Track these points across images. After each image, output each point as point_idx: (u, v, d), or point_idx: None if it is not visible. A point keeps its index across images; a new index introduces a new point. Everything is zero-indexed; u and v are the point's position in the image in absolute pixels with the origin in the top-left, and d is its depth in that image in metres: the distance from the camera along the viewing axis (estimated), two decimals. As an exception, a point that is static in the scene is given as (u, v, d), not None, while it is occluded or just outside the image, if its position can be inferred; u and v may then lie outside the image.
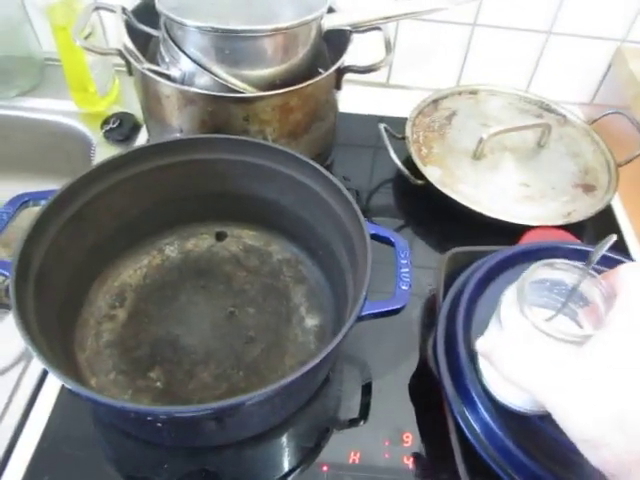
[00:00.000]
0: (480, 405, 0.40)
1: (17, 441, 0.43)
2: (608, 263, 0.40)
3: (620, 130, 0.71)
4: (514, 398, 0.39)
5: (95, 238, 0.49)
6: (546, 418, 0.39)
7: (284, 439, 0.45)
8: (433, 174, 0.61)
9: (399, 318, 0.52)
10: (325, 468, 0.43)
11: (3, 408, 0.45)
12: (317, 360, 0.35)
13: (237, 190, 0.54)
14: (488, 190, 0.60)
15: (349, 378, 0.49)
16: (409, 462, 0.44)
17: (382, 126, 0.62)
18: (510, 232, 0.58)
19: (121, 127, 0.72)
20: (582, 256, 0.47)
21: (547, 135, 0.65)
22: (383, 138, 0.61)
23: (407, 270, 0.41)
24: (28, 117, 0.77)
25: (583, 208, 0.60)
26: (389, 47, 0.59)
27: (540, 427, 0.39)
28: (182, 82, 0.55)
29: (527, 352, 0.32)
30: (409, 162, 0.62)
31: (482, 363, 0.41)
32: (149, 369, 0.47)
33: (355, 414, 0.47)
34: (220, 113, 0.54)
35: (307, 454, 0.45)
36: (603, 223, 0.63)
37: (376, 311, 0.39)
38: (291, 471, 0.43)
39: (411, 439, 0.45)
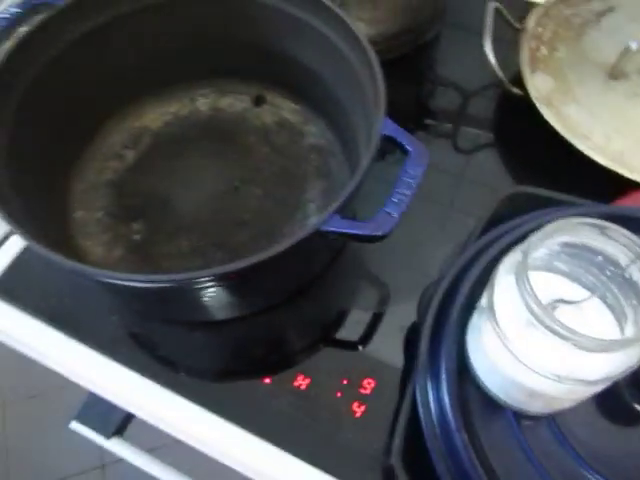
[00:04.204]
0: (444, 383, 0.31)
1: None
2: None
3: None
4: (500, 389, 0.30)
5: (117, 69, 0.45)
6: (524, 420, 0.30)
7: (242, 335, 0.41)
8: (540, 85, 0.46)
9: (432, 247, 0.43)
10: (267, 381, 0.39)
11: None
12: (236, 266, 0.28)
13: (279, 49, 0.45)
14: (609, 122, 0.44)
15: (349, 299, 0.43)
16: (358, 410, 0.38)
17: (492, 5, 0.46)
18: (622, 187, 0.42)
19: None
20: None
21: None
22: (485, 21, 0.46)
23: (406, 193, 0.31)
24: None
25: None
26: None
27: (510, 434, 0.30)
28: None
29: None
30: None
31: (472, 335, 0.32)
32: (134, 219, 0.44)
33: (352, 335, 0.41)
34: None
35: (252, 360, 0.40)
36: None
37: (340, 230, 0.30)
38: (229, 370, 0.40)
39: (371, 387, 0.38)
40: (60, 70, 0.41)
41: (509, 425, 0.30)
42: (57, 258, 0.30)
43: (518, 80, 0.47)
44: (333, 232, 0.30)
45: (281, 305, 0.41)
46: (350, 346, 0.41)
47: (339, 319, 0.41)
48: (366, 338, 0.41)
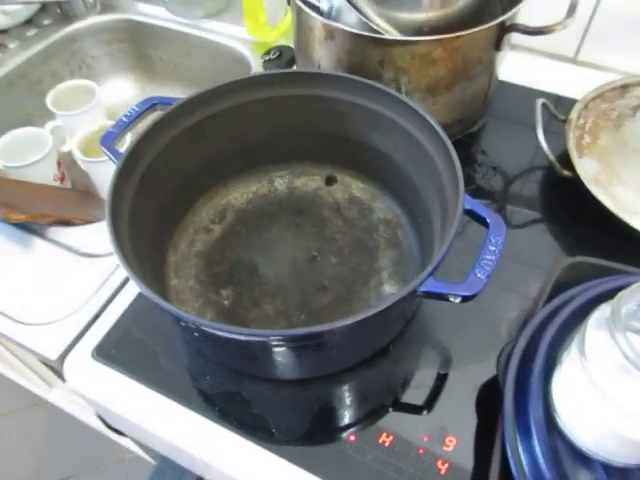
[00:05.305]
0: (535, 435, 0.33)
1: (98, 318, 0.49)
2: None
3: None
4: (591, 438, 0.32)
5: (210, 155, 0.52)
6: (612, 471, 0.32)
7: (327, 393, 0.44)
8: (587, 168, 0.51)
9: (495, 314, 0.47)
10: (352, 438, 0.41)
11: (97, 287, 0.51)
12: (348, 322, 0.32)
13: (355, 136, 0.51)
14: (654, 201, 0.49)
15: (424, 361, 0.46)
16: (442, 467, 0.39)
17: (540, 101, 0.53)
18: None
19: (279, 59, 0.74)
20: None
21: None
22: (536, 114, 0.52)
23: (491, 258, 0.35)
24: (207, 38, 0.83)
25: None
26: (572, 9, 0.49)
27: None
28: (328, 16, 0.53)
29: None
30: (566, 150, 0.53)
31: (559, 387, 0.35)
32: (223, 286, 0.49)
33: (417, 400, 0.43)
34: (356, 53, 0.51)
35: (338, 417, 0.43)
36: None
37: (435, 290, 0.34)
38: (316, 427, 0.42)
39: (453, 445, 0.40)
40: (167, 158, 0.47)
41: (600, 476, 0.32)
42: (183, 314, 0.35)
43: (563, 164, 0.53)
44: (429, 292, 0.34)
45: (361, 365, 0.44)
46: (419, 409, 0.43)
47: (411, 380, 0.44)
48: (433, 400, 0.44)
